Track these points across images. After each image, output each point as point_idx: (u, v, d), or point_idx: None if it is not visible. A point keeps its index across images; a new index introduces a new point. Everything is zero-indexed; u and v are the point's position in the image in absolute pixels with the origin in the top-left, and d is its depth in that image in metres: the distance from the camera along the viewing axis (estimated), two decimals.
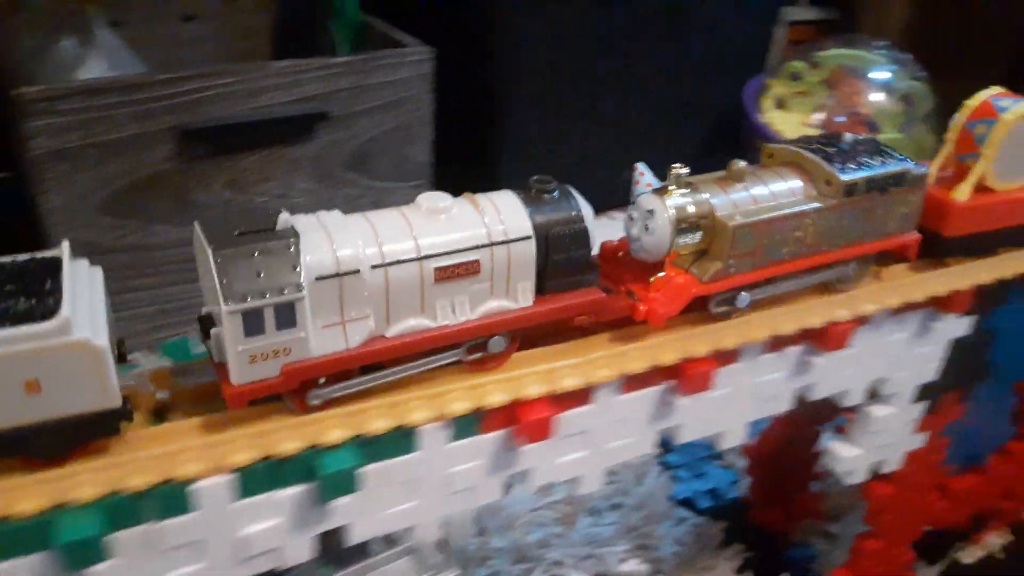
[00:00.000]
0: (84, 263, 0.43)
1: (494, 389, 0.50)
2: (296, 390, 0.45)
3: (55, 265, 0.41)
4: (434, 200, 0.49)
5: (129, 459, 0.42)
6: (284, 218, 0.45)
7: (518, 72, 1.51)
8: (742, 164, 0.56)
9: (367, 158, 1.26)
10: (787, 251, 0.56)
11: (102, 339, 0.39)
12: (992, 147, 0.59)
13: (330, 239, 0.45)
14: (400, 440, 0.48)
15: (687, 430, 0.59)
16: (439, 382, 0.50)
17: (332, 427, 0.46)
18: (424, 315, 0.48)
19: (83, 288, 0.41)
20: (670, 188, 0.54)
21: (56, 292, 0.39)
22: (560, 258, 0.50)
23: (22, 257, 0.42)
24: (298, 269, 0.43)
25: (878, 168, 0.56)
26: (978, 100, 0.61)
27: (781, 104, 1.61)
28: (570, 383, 0.52)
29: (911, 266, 0.64)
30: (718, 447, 0.62)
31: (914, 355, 0.67)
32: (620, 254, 0.58)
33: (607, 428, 0.55)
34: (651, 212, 0.53)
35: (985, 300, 0.66)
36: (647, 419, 0.57)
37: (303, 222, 0.46)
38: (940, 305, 0.64)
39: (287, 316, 0.43)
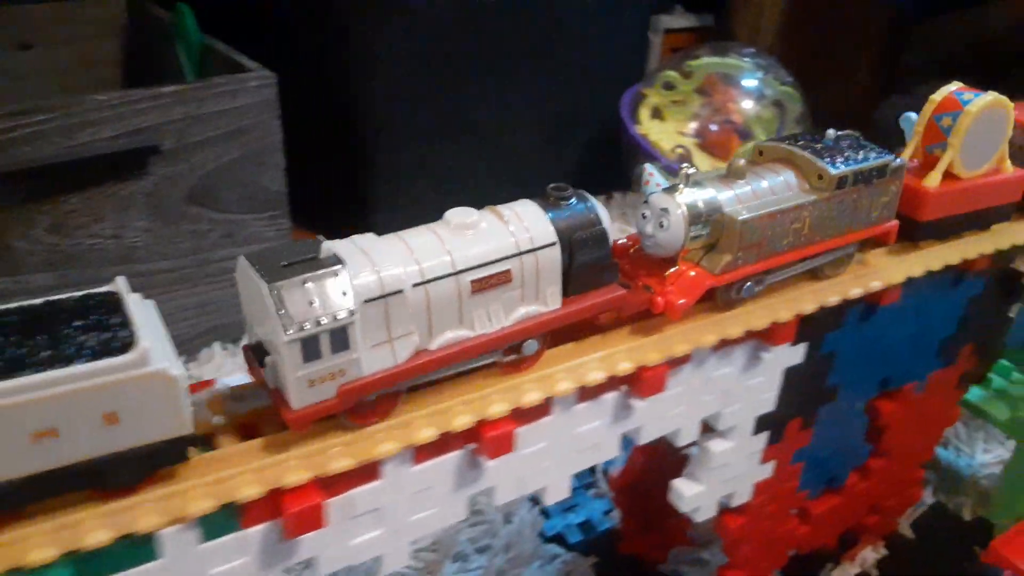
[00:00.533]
0: (137, 296, 0.44)
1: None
2: (352, 408, 0.47)
3: (115, 299, 0.43)
4: (462, 216, 0.51)
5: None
6: (327, 246, 0.47)
7: (379, 92, 1.45)
8: (742, 162, 0.60)
9: (212, 191, 1.18)
10: (787, 242, 0.60)
11: (178, 368, 0.41)
12: (958, 137, 0.64)
13: (372, 262, 0.47)
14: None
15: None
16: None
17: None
18: (463, 326, 0.50)
19: (145, 320, 0.43)
20: (680, 187, 0.57)
21: (127, 325, 0.41)
22: (583, 260, 0.53)
23: (76, 294, 0.43)
24: (347, 294, 0.45)
25: (863, 161, 0.61)
26: (942, 95, 0.66)
27: (658, 114, 1.62)
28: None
29: (717, 304, 0.60)
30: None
31: (746, 387, 0.65)
32: (631, 251, 0.61)
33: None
34: (665, 210, 0.56)
35: (814, 327, 0.65)
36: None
37: (341, 248, 0.48)
38: (764, 338, 0.63)
39: (341, 340, 0.45)
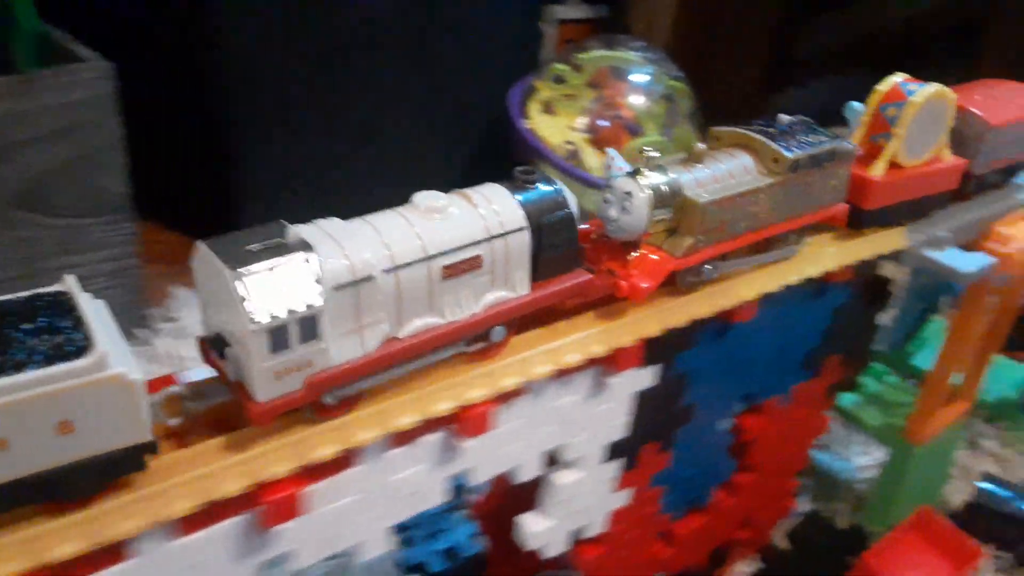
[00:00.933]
0: (88, 296, 0.41)
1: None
2: (316, 399, 0.45)
3: (66, 299, 0.39)
4: (431, 199, 0.49)
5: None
6: (293, 231, 0.44)
7: (238, 80, 1.32)
8: (702, 146, 0.60)
9: (43, 194, 1.06)
10: (745, 225, 0.61)
11: (137, 372, 0.37)
12: (902, 127, 0.66)
13: (341, 247, 0.45)
14: None
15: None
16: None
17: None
18: (433, 313, 0.49)
19: (99, 321, 0.39)
20: (643, 170, 0.57)
21: (80, 327, 0.37)
22: (552, 244, 0.52)
23: (23, 295, 0.39)
24: (318, 281, 0.43)
25: (815, 146, 0.62)
26: (888, 85, 0.68)
27: (549, 108, 1.56)
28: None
29: (544, 333, 0.56)
30: None
31: (593, 415, 0.60)
32: (593, 236, 0.61)
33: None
34: (628, 194, 0.56)
35: (664, 348, 0.60)
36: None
37: (308, 232, 0.45)
38: (607, 363, 0.58)
39: (310, 329, 0.43)
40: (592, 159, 1.49)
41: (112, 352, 0.37)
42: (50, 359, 0.36)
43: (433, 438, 0.52)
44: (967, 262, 0.71)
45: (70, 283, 0.41)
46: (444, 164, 1.61)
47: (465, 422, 0.52)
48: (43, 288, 0.40)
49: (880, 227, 0.71)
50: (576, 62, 1.54)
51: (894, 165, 0.68)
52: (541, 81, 1.55)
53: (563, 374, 0.56)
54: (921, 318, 1.06)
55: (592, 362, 0.57)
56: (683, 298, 0.61)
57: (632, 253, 0.58)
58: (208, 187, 1.43)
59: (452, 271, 0.48)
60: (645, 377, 0.62)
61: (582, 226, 0.61)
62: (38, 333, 0.37)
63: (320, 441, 0.46)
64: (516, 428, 0.56)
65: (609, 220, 0.58)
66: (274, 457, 0.44)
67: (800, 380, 0.77)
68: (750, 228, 0.61)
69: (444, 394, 0.50)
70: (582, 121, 1.51)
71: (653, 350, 0.60)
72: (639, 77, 1.53)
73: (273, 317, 0.41)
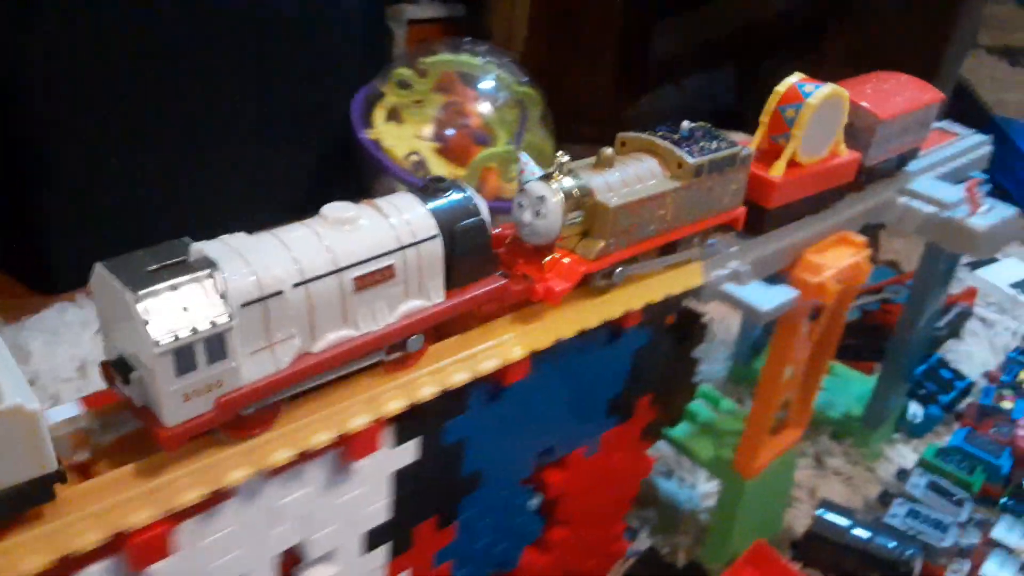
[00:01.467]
0: None
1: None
2: (230, 421, 0.44)
3: None
4: (339, 210, 0.49)
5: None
6: (196, 248, 0.43)
7: (38, 92, 1.16)
8: (609, 151, 0.62)
9: None
10: (653, 228, 0.63)
11: (33, 403, 0.36)
12: (801, 127, 0.70)
13: (247, 263, 0.44)
14: None
15: None
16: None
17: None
18: (347, 325, 0.48)
19: None
20: (555, 174, 0.58)
21: None
22: (464, 251, 0.53)
23: None
24: (223, 298, 0.42)
25: (716, 151, 0.65)
26: (785, 87, 0.71)
27: (396, 115, 1.44)
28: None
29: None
30: None
31: (338, 506, 0.53)
32: (507, 241, 0.61)
33: None
34: (542, 198, 0.57)
35: (422, 421, 0.55)
36: None
37: (211, 249, 0.44)
38: (345, 449, 0.51)
39: (218, 348, 0.42)
40: (441, 170, 1.39)
41: (6, 383, 0.35)
42: None
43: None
44: (767, 298, 0.69)
45: None
46: (285, 182, 1.48)
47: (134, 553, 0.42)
48: None
49: (779, 225, 0.74)
50: (421, 66, 1.45)
51: (794, 164, 0.72)
52: (387, 86, 1.46)
53: (283, 470, 0.48)
54: (767, 330, 1.07)
55: (320, 451, 0.49)
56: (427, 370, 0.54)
57: (546, 257, 0.59)
58: (10, 215, 1.27)
59: (364, 282, 0.48)
60: (402, 455, 0.55)
61: (497, 230, 0.62)
62: None
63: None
64: (233, 534, 0.48)
65: (523, 225, 0.59)
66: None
67: (608, 427, 0.72)
68: (658, 231, 0.63)
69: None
70: (428, 130, 1.42)
71: (406, 425, 0.54)
72: (487, 83, 1.46)
73: (177, 338, 0.40)
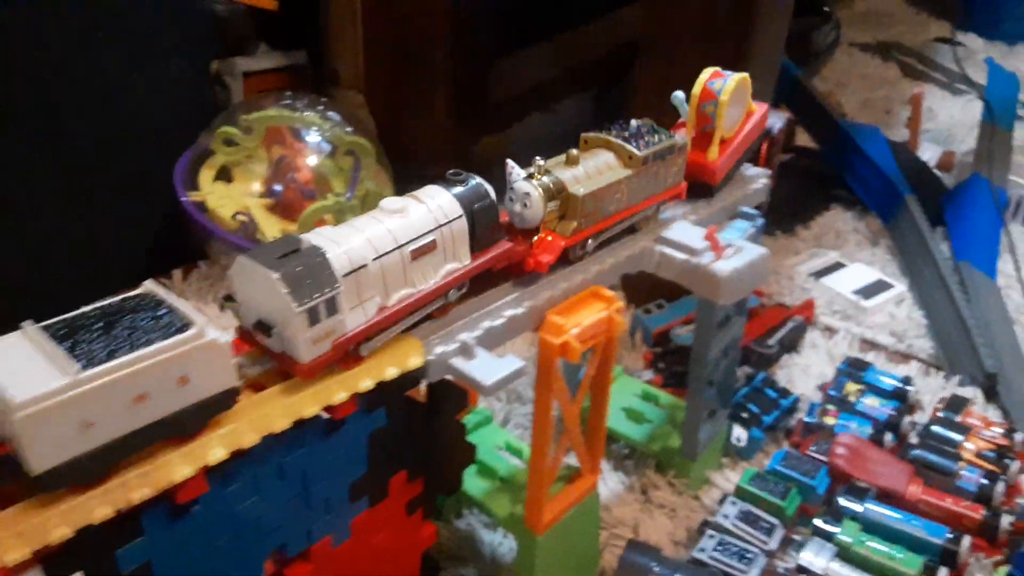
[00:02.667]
0: (165, 290, 0.57)
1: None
2: (341, 357, 0.63)
3: (152, 296, 0.56)
4: (393, 204, 0.68)
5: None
6: (305, 238, 0.62)
7: None
8: (575, 152, 0.82)
9: None
10: (613, 208, 0.83)
11: (225, 337, 0.54)
12: (720, 118, 0.91)
13: (339, 246, 0.63)
14: None
15: None
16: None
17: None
18: (408, 285, 0.68)
19: (184, 306, 0.55)
20: (535, 174, 0.78)
21: (175, 312, 0.54)
22: (482, 224, 0.72)
23: (115, 299, 0.55)
24: (332, 272, 0.61)
25: (658, 143, 0.85)
26: (700, 87, 0.92)
27: (227, 174, 1.38)
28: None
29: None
30: None
31: None
32: (506, 223, 0.81)
33: None
34: (527, 194, 0.77)
35: (73, 559, 0.50)
36: None
37: (314, 239, 0.63)
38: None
39: (332, 306, 0.61)
40: (271, 227, 1.32)
41: (200, 321, 0.54)
42: (167, 335, 0.52)
43: None
44: (493, 370, 0.66)
45: (149, 286, 0.57)
46: (117, 255, 1.35)
47: None
48: (129, 293, 0.55)
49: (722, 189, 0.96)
50: (244, 124, 1.42)
51: (723, 141, 0.93)
52: (215, 144, 1.37)
53: None
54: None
55: None
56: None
57: (534, 237, 0.80)
58: None
59: (417, 253, 0.67)
60: None
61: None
62: (147, 320, 0.53)
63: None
64: None
65: (514, 214, 0.78)
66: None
67: (357, 512, 0.69)
68: (617, 209, 0.84)
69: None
70: (258, 187, 1.36)
71: (49, 567, 0.49)
72: (314, 137, 1.42)
73: (312, 298, 0.59)
